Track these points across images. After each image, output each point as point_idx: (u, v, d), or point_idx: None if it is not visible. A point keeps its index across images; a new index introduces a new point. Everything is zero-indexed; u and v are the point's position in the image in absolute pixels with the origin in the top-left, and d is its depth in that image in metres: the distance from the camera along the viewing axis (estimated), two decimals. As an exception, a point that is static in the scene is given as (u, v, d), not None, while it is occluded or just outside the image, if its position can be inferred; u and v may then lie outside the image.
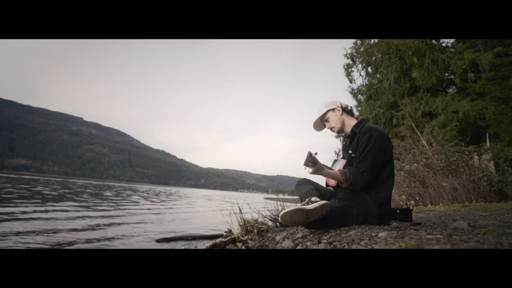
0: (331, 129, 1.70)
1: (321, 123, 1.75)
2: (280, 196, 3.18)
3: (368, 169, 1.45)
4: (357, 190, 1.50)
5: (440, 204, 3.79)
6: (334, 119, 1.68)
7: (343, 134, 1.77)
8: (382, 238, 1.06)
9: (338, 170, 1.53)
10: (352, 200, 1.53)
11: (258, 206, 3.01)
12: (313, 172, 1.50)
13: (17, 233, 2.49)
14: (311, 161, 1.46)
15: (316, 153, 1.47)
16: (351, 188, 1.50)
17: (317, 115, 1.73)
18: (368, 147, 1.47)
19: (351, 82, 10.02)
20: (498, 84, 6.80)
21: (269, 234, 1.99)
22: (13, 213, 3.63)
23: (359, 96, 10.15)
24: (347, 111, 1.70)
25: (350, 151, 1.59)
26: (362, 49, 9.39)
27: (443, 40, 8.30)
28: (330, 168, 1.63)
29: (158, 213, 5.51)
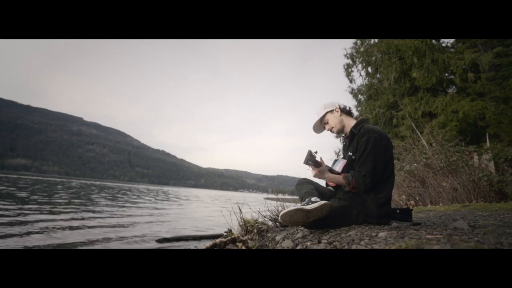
0: (331, 130, 1.71)
1: (320, 125, 1.76)
2: (280, 196, 3.17)
3: (369, 171, 1.45)
4: (361, 193, 1.51)
5: (440, 204, 3.79)
6: (333, 120, 1.68)
7: (343, 135, 1.78)
8: (382, 238, 1.06)
9: (341, 174, 1.53)
10: (352, 200, 1.53)
11: (258, 206, 3.01)
12: (317, 175, 1.50)
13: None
14: (311, 160, 1.46)
15: (316, 152, 1.48)
16: (355, 191, 1.50)
17: (316, 118, 1.74)
18: (368, 149, 1.47)
19: (351, 82, 10.03)
20: (498, 84, 6.79)
21: (269, 234, 1.99)
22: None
23: (359, 96, 10.15)
24: (346, 111, 1.71)
25: (350, 153, 1.59)
26: (362, 49, 9.39)
27: (443, 40, 8.30)
28: (331, 169, 1.64)
29: (159, 214, 5.51)
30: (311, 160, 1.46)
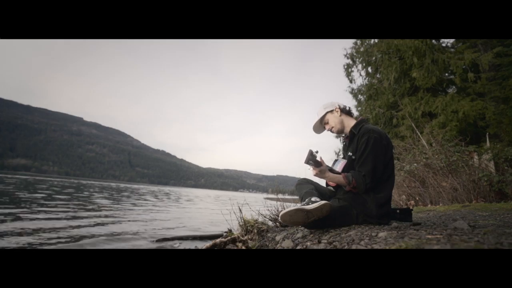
0: (331, 130, 1.71)
1: (320, 125, 1.77)
2: (280, 196, 3.17)
3: (369, 172, 1.45)
4: (361, 193, 1.51)
5: (440, 204, 3.79)
6: (333, 120, 1.69)
7: (343, 135, 1.78)
8: (382, 238, 1.06)
9: (341, 174, 1.53)
10: (352, 200, 1.53)
11: (258, 206, 3.01)
12: (317, 174, 1.50)
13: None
14: (312, 159, 1.46)
15: (317, 151, 1.48)
16: (355, 191, 1.50)
17: (316, 118, 1.74)
18: (367, 150, 1.47)
19: (351, 82, 10.03)
20: (498, 84, 6.79)
21: (269, 234, 1.99)
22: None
23: (359, 96, 10.15)
24: (345, 111, 1.71)
25: (350, 153, 1.59)
26: (362, 49, 9.39)
27: (443, 40, 8.30)
28: (331, 169, 1.64)
29: (159, 214, 5.52)
30: (311, 159, 1.46)
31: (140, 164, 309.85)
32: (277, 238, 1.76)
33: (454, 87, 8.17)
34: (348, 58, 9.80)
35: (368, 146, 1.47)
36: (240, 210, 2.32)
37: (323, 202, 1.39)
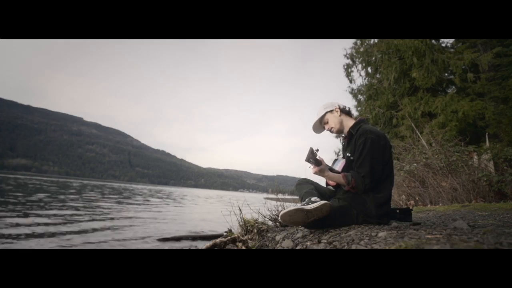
0: (330, 130, 1.71)
1: (320, 125, 1.77)
2: (280, 196, 3.17)
3: (368, 173, 1.45)
4: (360, 193, 1.51)
5: (440, 204, 3.79)
6: (333, 120, 1.69)
7: (343, 135, 1.78)
8: (382, 238, 1.06)
9: (341, 173, 1.54)
10: (352, 200, 1.53)
11: (258, 206, 3.01)
12: (317, 172, 1.50)
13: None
14: (312, 157, 1.47)
15: (317, 150, 1.48)
16: (354, 191, 1.51)
17: (316, 118, 1.75)
18: (365, 151, 1.47)
19: (351, 82, 10.04)
20: (497, 84, 6.79)
21: (269, 234, 1.99)
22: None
23: (359, 96, 10.15)
24: (345, 112, 1.71)
25: (348, 154, 1.59)
26: (362, 49, 9.40)
27: (442, 40, 8.30)
28: (331, 168, 1.64)
29: (159, 213, 5.52)
30: (312, 158, 1.47)
31: (140, 164, 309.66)
32: (277, 238, 1.76)
33: (453, 87, 8.17)
34: (348, 58, 9.81)
35: (366, 148, 1.47)
36: (240, 210, 2.32)
37: (323, 202, 1.39)
